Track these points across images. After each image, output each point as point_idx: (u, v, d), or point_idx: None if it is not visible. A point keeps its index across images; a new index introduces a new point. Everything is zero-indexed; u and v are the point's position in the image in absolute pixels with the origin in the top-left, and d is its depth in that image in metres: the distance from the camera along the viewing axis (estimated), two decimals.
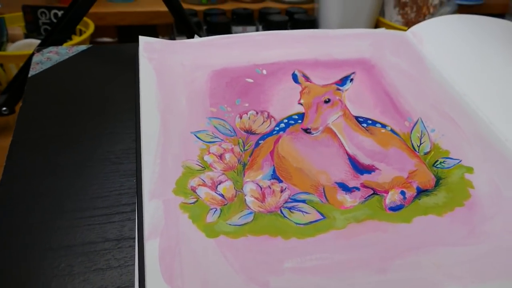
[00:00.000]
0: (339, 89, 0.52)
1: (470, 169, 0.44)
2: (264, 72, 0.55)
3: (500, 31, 0.64)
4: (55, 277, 0.36)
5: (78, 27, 1.22)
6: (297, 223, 0.39)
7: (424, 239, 0.38)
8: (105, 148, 0.46)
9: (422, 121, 0.50)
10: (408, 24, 1.40)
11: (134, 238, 0.39)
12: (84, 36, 1.14)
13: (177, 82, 0.52)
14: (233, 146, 0.45)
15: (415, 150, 0.47)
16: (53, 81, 0.55)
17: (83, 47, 0.62)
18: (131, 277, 0.36)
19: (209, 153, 0.44)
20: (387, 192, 0.42)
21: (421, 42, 0.61)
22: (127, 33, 1.57)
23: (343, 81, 0.54)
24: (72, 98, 0.52)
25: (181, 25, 0.70)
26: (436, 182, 0.43)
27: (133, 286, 0.35)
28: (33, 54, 0.59)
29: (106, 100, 0.53)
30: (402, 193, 0.42)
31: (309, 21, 1.40)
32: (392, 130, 0.48)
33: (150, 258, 0.35)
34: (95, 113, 0.51)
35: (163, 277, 0.34)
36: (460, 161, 0.45)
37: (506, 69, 0.56)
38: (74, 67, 0.58)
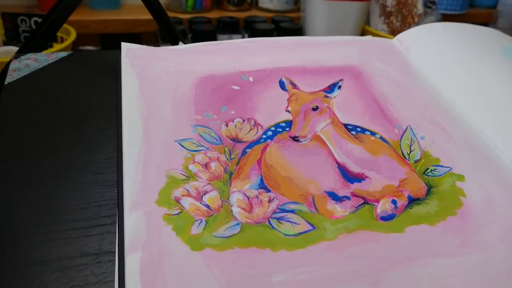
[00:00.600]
0: (327, 96, 0.51)
1: (461, 177, 0.44)
2: (251, 79, 0.53)
3: (485, 39, 0.64)
4: None
5: (60, 34, 1.20)
6: (286, 235, 0.38)
7: (417, 250, 0.37)
8: (85, 158, 0.44)
9: (411, 129, 0.49)
10: (394, 33, 1.42)
11: (114, 252, 0.37)
12: (66, 43, 1.12)
13: (161, 89, 0.50)
14: (219, 154, 0.44)
15: (405, 158, 0.46)
16: (31, 88, 0.53)
17: (64, 53, 0.60)
18: None
19: (194, 162, 0.43)
20: (378, 201, 0.41)
21: (408, 49, 0.61)
22: (111, 41, 1.55)
23: (331, 88, 0.53)
24: (50, 106, 0.50)
25: (165, 33, 0.68)
26: (427, 191, 0.42)
27: None
28: (10, 61, 0.57)
29: (86, 108, 0.51)
30: (394, 202, 0.41)
31: (295, 30, 1.40)
32: (381, 138, 0.48)
33: (131, 273, 0.33)
34: (74, 121, 0.48)
35: None
36: (451, 168, 0.45)
37: (493, 76, 0.55)
38: (54, 74, 0.56)
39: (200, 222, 0.38)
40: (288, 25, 1.43)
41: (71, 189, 0.41)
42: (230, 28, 1.40)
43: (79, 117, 0.49)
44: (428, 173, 0.44)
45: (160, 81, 0.51)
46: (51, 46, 1.12)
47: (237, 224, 0.38)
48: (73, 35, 1.15)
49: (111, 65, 0.56)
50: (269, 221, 0.38)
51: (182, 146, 0.44)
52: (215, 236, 0.37)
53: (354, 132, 0.48)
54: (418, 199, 0.42)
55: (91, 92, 0.53)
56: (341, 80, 0.55)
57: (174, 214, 0.38)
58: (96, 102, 0.51)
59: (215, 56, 0.56)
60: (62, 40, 1.21)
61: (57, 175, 0.42)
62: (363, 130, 0.48)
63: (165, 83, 0.51)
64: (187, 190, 0.40)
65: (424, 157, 0.46)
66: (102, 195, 0.41)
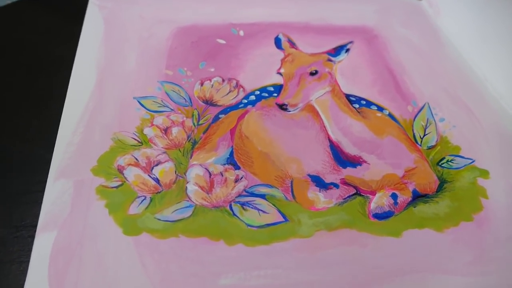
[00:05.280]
0: (330, 60, 0.42)
1: (485, 173, 0.34)
2: (241, 33, 0.44)
3: None
4: None
5: None
6: (249, 225, 0.30)
7: (415, 262, 0.29)
8: (32, 111, 0.37)
9: (429, 107, 0.39)
10: None
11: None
12: None
13: (130, 36, 0.42)
14: (184, 118, 0.36)
15: (417, 142, 0.36)
16: None
17: None
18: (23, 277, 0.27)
19: (152, 124, 0.35)
20: (374, 193, 0.32)
21: (438, 12, 0.51)
22: None
23: (337, 50, 0.43)
24: (1, 54, 0.43)
25: None
26: (439, 186, 0.33)
27: None
28: None
29: (41, 56, 0.43)
30: (394, 196, 0.32)
31: None
32: (390, 115, 0.38)
33: (38, 257, 0.26)
34: (25, 71, 0.41)
35: (49, 285, 0.25)
36: (473, 161, 0.35)
37: None
38: (12, 17, 0.48)
39: (143, 200, 0.30)
40: None
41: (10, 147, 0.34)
42: None
43: (32, 67, 0.41)
44: (443, 163, 0.35)
45: (131, 28, 0.43)
46: None
47: (190, 206, 0.30)
48: None
49: (82, 9, 0.48)
50: (230, 206, 0.30)
51: (141, 105, 0.36)
52: (158, 219, 0.29)
53: (357, 105, 0.39)
54: (425, 195, 0.33)
55: (52, 39, 0.45)
56: (350, 42, 0.45)
57: (112, 187, 0.30)
58: (55, 50, 0.43)
59: (203, 3, 0.47)
60: None
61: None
62: (369, 103, 0.39)
63: (137, 30, 0.43)
64: (135, 159, 0.32)
65: (441, 143, 0.37)
66: (42, 156, 0.34)
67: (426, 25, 0.48)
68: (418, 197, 0.32)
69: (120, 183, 0.31)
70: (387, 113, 0.38)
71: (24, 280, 0.26)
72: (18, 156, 0.34)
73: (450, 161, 0.35)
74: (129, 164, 0.32)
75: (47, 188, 0.29)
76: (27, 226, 0.30)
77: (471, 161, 0.35)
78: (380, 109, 0.39)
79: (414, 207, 0.32)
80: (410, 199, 0.32)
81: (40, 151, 0.34)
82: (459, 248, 0.30)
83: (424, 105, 0.39)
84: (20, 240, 0.29)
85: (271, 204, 0.31)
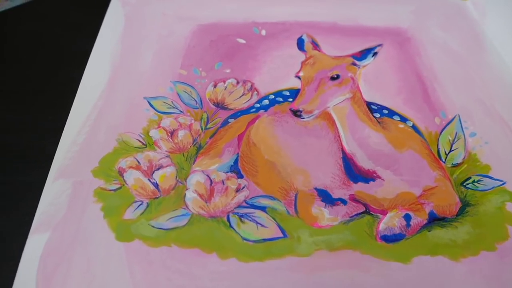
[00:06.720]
0: (355, 64, 0.39)
1: None
2: (263, 32, 0.43)
3: None
4: None
5: None
6: (245, 238, 0.28)
7: None
8: (46, 108, 0.37)
9: (460, 119, 0.36)
10: None
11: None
12: None
13: (149, 34, 0.41)
14: (193, 121, 0.35)
15: (441, 158, 0.33)
16: (6, 25, 0.46)
17: None
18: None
19: (159, 126, 0.34)
20: (385, 212, 0.30)
21: (484, 15, 0.46)
22: None
23: (363, 54, 0.40)
24: (25, 46, 0.44)
25: None
26: (460, 209, 0.30)
27: None
28: None
29: (63, 51, 0.43)
30: (407, 217, 0.30)
31: None
32: (414, 126, 0.35)
33: (29, 259, 0.26)
34: (43, 64, 0.41)
35: (36, 287, 0.25)
36: (505, 183, 0.32)
37: None
38: (37, 11, 0.48)
39: (140, 205, 0.29)
40: None
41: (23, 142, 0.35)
42: None
43: (50, 61, 0.42)
44: (468, 184, 0.32)
45: (152, 25, 0.42)
46: None
47: (186, 214, 0.29)
48: None
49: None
50: (228, 217, 0.29)
51: (151, 105, 0.35)
52: (153, 226, 0.28)
53: (378, 115, 0.36)
54: (443, 219, 0.30)
55: (73, 33, 0.46)
56: (379, 45, 0.42)
57: (111, 190, 0.30)
58: (75, 45, 0.44)
59: (226, 1, 0.45)
60: None
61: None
62: (392, 113, 0.36)
63: (157, 28, 0.42)
64: (138, 161, 0.32)
65: (469, 161, 0.33)
66: (51, 154, 0.34)
67: (468, 28, 0.44)
68: (435, 220, 0.30)
69: (119, 186, 0.30)
70: (411, 124, 0.35)
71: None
72: (29, 151, 0.34)
73: (477, 181, 0.32)
74: (130, 167, 0.31)
75: (45, 189, 0.29)
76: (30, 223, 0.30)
77: (501, 183, 0.32)
78: (404, 119, 0.36)
79: (429, 231, 0.29)
80: (425, 221, 0.29)
81: (51, 148, 0.34)
82: (476, 281, 0.27)
83: (454, 117, 0.36)
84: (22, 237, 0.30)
85: (271, 218, 0.29)
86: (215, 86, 0.38)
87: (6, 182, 0.32)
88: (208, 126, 0.35)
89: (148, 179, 0.31)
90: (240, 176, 0.31)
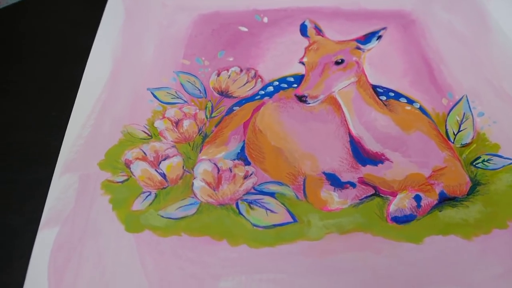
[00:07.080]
0: (359, 48, 0.39)
1: None
2: (265, 19, 0.42)
3: None
4: None
5: None
6: (254, 225, 0.28)
7: (436, 272, 0.26)
8: (51, 104, 0.37)
9: (467, 100, 0.35)
10: None
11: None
12: None
13: (150, 25, 0.41)
14: (197, 110, 0.34)
15: (449, 139, 0.33)
16: (7, 20, 0.46)
17: None
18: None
19: (164, 117, 0.34)
20: (395, 194, 0.30)
21: None
22: None
23: (367, 37, 0.40)
24: (26, 43, 0.43)
25: None
26: (471, 189, 0.30)
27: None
28: None
29: (66, 46, 0.43)
30: (417, 198, 0.29)
31: None
32: (421, 108, 0.35)
33: (40, 252, 0.26)
34: (45, 61, 0.41)
35: (48, 282, 0.25)
36: None
37: None
38: (37, 7, 0.48)
39: (148, 195, 0.29)
40: None
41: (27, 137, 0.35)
42: None
43: (51, 55, 0.42)
44: (478, 163, 0.31)
45: (152, 16, 0.42)
46: None
47: (195, 203, 0.29)
48: None
49: None
50: (237, 204, 0.29)
51: (154, 96, 0.35)
52: (162, 216, 0.28)
53: (384, 97, 0.36)
54: (454, 198, 0.29)
55: (74, 28, 0.45)
56: (383, 28, 0.42)
57: (118, 182, 0.30)
58: (76, 39, 0.43)
59: None
60: None
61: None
62: (398, 95, 0.36)
63: (158, 18, 0.42)
64: (144, 152, 0.31)
65: (478, 140, 0.33)
66: (56, 148, 0.34)
67: (474, 9, 0.44)
68: (446, 200, 0.29)
69: (126, 177, 0.30)
70: (418, 106, 0.35)
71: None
72: (34, 147, 0.34)
73: (487, 160, 0.31)
74: (137, 158, 0.31)
75: (52, 183, 0.29)
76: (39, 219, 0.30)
77: (511, 161, 0.31)
78: (410, 101, 0.35)
79: (440, 211, 0.29)
80: (436, 201, 0.29)
81: (55, 143, 0.34)
82: (489, 259, 0.26)
83: (462, 97, 0.36)
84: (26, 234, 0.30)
85: (280, 203, 0.29)
86: (218, 74, 0.37)
87: (13, 181, 0.32)
88: (213, 115, 0.34)
89: (155, 170, 0.30)
90: (247, 163, 0.31)
